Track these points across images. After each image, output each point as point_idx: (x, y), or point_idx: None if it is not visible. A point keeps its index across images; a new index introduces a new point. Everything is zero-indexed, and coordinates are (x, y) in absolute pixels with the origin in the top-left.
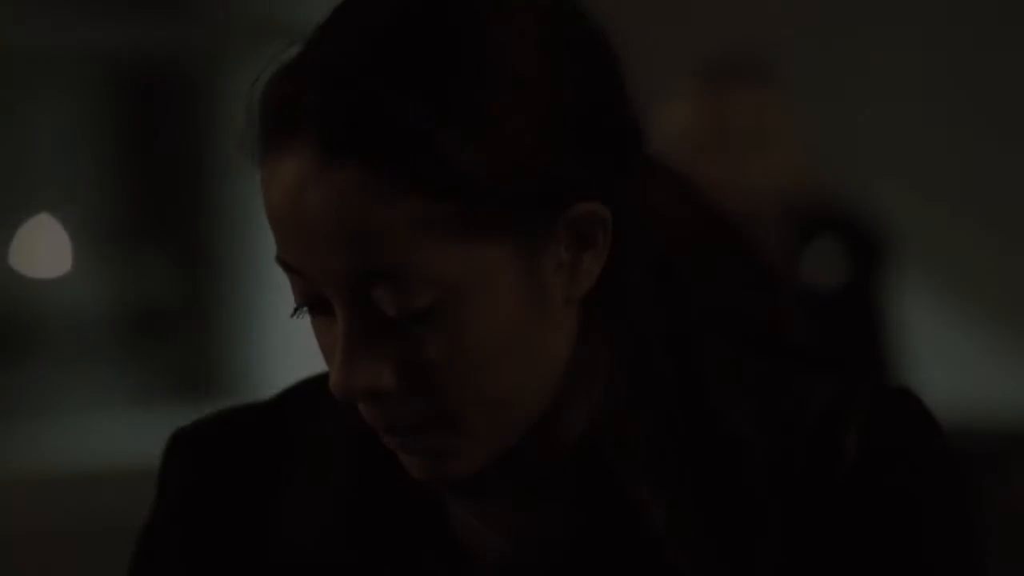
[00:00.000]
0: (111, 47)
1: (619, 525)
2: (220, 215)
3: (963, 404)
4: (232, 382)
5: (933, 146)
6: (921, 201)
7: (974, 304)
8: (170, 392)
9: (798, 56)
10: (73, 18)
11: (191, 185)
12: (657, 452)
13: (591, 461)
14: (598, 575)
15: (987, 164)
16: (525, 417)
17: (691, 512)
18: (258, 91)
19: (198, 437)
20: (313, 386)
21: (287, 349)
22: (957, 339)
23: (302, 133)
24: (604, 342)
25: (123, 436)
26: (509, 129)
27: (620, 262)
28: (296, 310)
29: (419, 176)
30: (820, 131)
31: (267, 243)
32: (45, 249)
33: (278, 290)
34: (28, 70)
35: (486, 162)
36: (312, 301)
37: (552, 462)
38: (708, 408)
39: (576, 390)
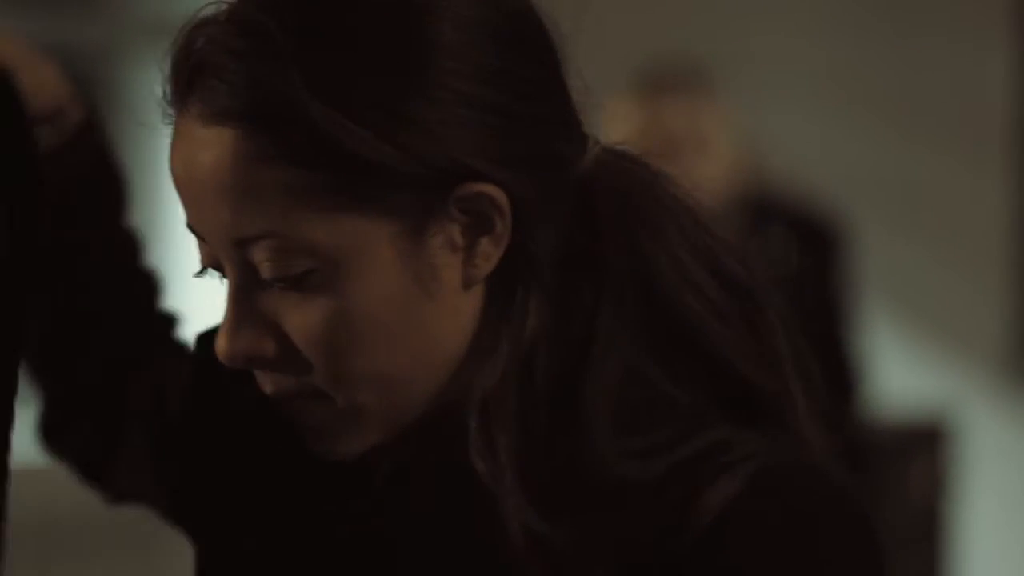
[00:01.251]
0: None
1: (477, 514)
2: None
3: (869, 400)
4: None
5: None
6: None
7: (872, 300)
8: None
9: (730, 59)
10: None
11: None
12: (519, 460)
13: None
14: (441, 558)
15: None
16: (419, 397)
17: (543, 522)
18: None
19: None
20: None
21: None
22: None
23: (193, 92)
24: (500, 332)
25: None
26: (394, 107)
27: (525, 252)
28: (201, 271)
29: (290, 145)
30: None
31: (161, 239)
32: None
33: (175, 285)
34: None
35: (361, 137)
36: (214, 264)
37: (447, 440)
38: (580, 435)
39: (476, 376)
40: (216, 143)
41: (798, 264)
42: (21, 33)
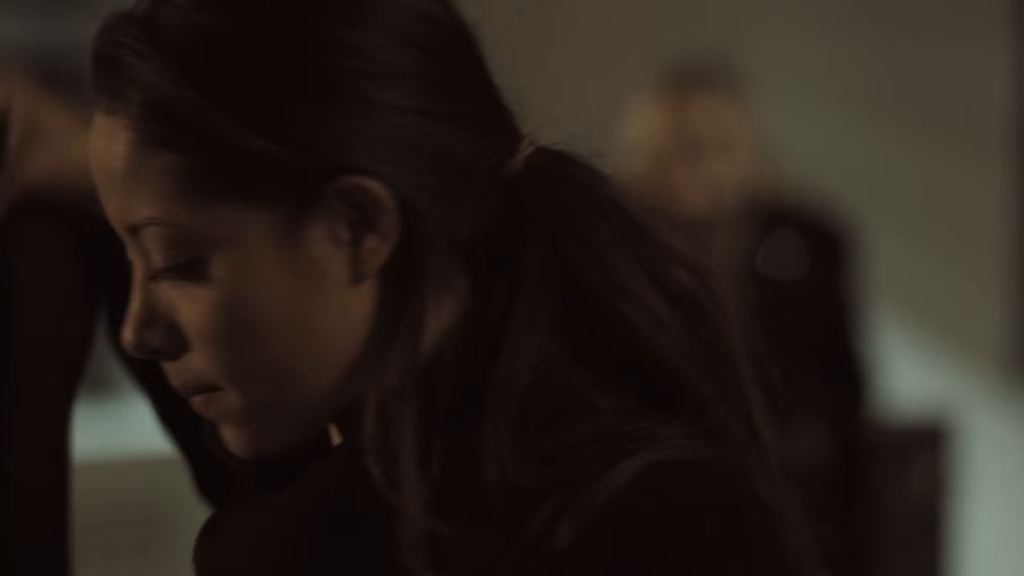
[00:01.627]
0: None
1: (373, 519)
2: None
3: (873, 400)
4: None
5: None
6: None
7: (872, 300)
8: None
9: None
10: None
11: None
12: (418, 463)
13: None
14: (335, 560)
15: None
16: (317, 394)
17: (442, 528)
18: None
19: None
20: None
21: None
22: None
23: (101, 85)
24: (398, 330)
25: None
26: (272, 101)
27: (422, 250)
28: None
29: (169, 134)
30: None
31: None
32: None
33: None
34: None
35: (234, 128)
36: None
37: (349, 441)
38: (480, 438)
39: (373, 375)
40: (111, 132)
41: (809, 267)
42: (20, 33)
